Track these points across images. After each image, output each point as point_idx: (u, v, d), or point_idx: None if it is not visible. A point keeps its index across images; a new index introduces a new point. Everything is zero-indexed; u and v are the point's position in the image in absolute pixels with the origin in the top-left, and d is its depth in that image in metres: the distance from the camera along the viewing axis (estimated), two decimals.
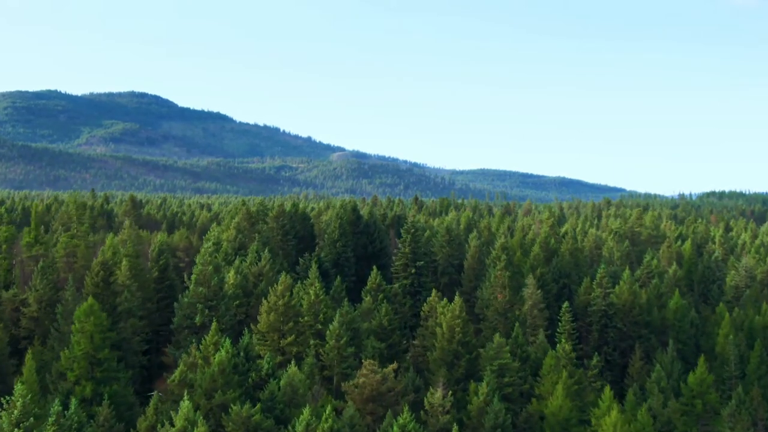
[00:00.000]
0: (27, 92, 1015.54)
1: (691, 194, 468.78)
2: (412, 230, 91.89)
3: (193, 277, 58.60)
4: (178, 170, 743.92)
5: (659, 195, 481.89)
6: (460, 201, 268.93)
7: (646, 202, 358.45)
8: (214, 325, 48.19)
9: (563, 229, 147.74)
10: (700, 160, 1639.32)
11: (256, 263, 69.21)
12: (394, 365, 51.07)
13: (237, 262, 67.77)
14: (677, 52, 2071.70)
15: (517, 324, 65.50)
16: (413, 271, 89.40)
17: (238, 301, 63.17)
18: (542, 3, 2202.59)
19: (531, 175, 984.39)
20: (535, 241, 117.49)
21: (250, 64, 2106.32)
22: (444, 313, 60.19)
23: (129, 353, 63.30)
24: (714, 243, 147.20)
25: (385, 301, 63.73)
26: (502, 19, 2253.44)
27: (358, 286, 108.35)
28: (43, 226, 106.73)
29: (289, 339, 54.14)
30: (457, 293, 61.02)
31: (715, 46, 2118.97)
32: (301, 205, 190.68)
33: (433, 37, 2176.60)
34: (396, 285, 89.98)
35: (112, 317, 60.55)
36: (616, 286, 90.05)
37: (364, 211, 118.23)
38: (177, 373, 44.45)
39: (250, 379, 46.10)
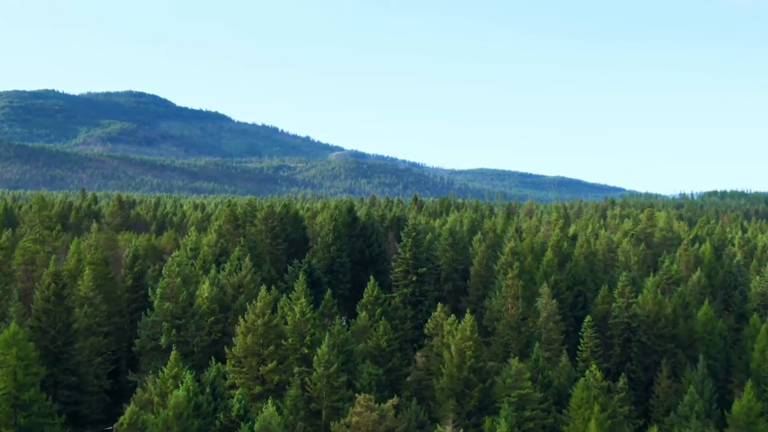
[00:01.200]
0: (24, 92, 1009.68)
1: (693, 194, 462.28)
2: (414, 233, 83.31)
3: (158, 290, 49.93)
4: (175, 170, 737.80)
5: (659, 195, 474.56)
6: (460, 201, 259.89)
7: (650, 202, 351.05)
8: (173, 354, 39.54)
9: (570, 231, 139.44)
10: (698, 159, 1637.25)
11: (236, 272, 60.54)
12: (394, 400, 42.58)
13: (212, 271, 59.07)
14: (676, 52, 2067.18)
15: (537, 345, 56.73)
16: (414, 278, 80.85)
17: (213, 318, 54.52)
18: (542, 3, 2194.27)
19: (530, 175, 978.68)
20: (545, 244, 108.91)
21: (248, 64, 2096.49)
22: (452, 332, 51.55)
23: (87, 378, 54.79)
24: (733, 245, 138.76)
25: (383, 317, 55.04)
26: (501, 19, 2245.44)
27: (354, 295, 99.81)
28: (11, 230, 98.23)
29: (270, 366, 45.55)
30: (467, 311, 52.32)
31: (713, 46, 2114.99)
32: (297, 205, 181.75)
33: (432, 37, 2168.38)
34: (395, 295, 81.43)
35: (65, 337, 52.05)
36: (639, 295, 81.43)
37: (361, 212, 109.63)
38: (127, 413, 35.94)
39: (217, 422, 37.64)
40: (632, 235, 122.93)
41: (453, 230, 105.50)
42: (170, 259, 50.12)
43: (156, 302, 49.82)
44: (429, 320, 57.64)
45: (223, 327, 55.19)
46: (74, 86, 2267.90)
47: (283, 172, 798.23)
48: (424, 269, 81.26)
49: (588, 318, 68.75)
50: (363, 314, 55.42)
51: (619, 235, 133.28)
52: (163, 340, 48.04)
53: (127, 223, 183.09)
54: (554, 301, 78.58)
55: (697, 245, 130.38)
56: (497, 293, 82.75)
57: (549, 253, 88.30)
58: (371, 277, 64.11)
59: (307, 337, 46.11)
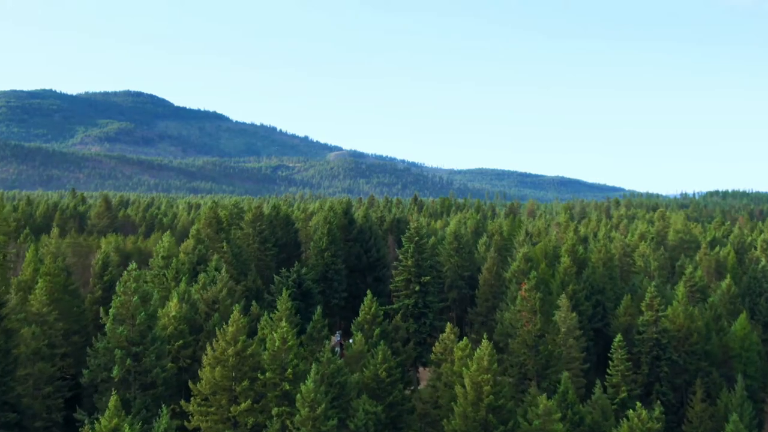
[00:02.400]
0: (22, 91, 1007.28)
1: (695, 194, 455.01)
2: (416, 238, 74.70)
3: (110, 311, 41.40)
4: (173, 170, 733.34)
5: (660, 195, 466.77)
6: (461, 201, 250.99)
7: (655, 202, 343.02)
8: (112, 400, 31.01)
9: (580, 233, 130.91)
10: (697, 159, 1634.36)
11: (212, 285, 51.96)
12: None
13: (182, 284, 50.48)
14: (674, 52, 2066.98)
15: (565, 375, 48.11)
16: (417, 288, 72.30)
17: (180, 342, 45.94)
18: (542, 3, 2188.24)
19: (529, 175, 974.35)
20: (557, 249, 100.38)
21: (247, 64, 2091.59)
22: (464, 358, 43.00)
23: (31, 414, 46.19)
24: (755, 249, 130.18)
25: (382, 341, 46.46)
26: (500, 19, 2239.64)
27: (351, 304, 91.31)
28: None
29: (244, 405, 37.00)
30: (484, 336, 43.77)
31: (711, 46, 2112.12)
32: (295, 206, 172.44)
33: (431, 36, 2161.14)
34: (396, 306, 72.81)
35: (2, 365, 43.47)
36: (669, 307, 72.88)
37: (358, 214, 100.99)
38: None
39: None
40: (652, 238, 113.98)
41: (458, 233, 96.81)
42: (126, 272, 41.65)
43: (108, 325, 41.26)
44: (437, 343, 49.00)
45: (193, 352, 46.60)
46: (72, 86, 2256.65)
47: (281, 172, 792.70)
48: (428, 278, 72.73)
49: (618, 338, 60.33)
50: (359, 337, 46.83)
51: (635, 238, 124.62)
52: (115, 371, 39.50)
53: (114, 225, 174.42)
54: (574, 314, 70.14)
55: (717, 249, 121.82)
56: (509, 305, 74.25)
57: (566, 260, 79.66)
58: (368, 291, 55.48)
59: (289, 370, 37.58)
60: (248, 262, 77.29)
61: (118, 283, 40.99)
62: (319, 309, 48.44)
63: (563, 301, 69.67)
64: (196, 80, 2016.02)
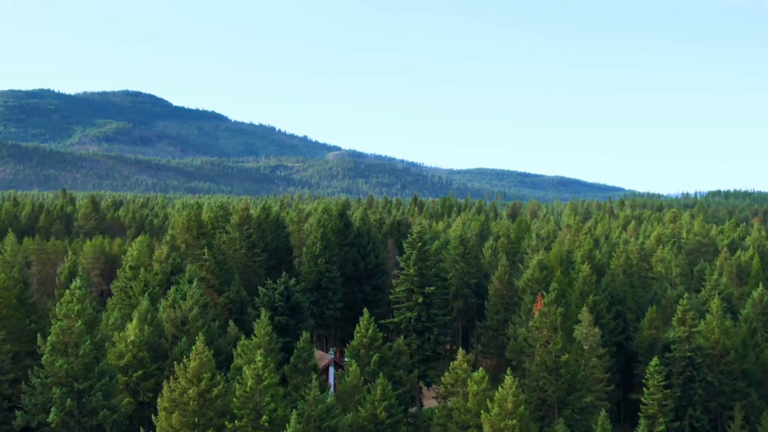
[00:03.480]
0: (20, 91, 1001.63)
1: (697, 193, 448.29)
2: (419, 244, 66.97)
3: (48, 338, 33.75)
4: (171, 170, 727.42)
5: (661, 195, 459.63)
6: (462, 201, 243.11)
7: (660, 203, 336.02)
8: None
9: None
10: (696, 159, 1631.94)
11: (181, 302, 44.25)
12: None
13: (144, 302, 42.69)
14: (673, 51, 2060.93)
15: (602, 415, 40.35)
16: (420, 300, 64.63)
17: (140, 372, 38.27)
18: (541, 3, 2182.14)
19: (529, 175, 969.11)
20: (571, 254, 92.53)
21: (245, 63, 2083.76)
22: (480, 393, 35.33)
23: None
24: None
25: (380, 372, 38.75)
26: (500, 19, 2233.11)
27: (347, 315, 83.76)
28: None
29: None
30: (508, 372, 36.14)
31: (710, 46, 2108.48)
32: (292, 206, 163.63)
33: (430, 36, 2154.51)
34: (396, 319, 65.22)
35: None
36: (701, 321, 65.21)
37: (355, 216, 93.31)
38: None
39: None
40: (673, 242, 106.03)
41: (463, 237, 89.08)
42: (68, 291, 34.05)
43: (45, 357, 33.62)
44: (446, 373, 41.22)
45: (156, 383, 38.98)
46: (70, 86, 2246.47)
47: (280, 171, 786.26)
48: (433, 288, 65.00)
49: (655, 361, 52.64)
50: (353, 367, 39.09)
51: (650, 241, 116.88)
52: (52, 414, 31.90)
53: (101, 227, 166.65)
54: (596, 329, 62.53)
55: (739, 253, 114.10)
56: (523, 318, 66.64)
57: (585, 267, 71.94)
58: (365, 309, 47.75)
59: (264, 416, 29.97)
60: (233, 270, 69.67)
61: (58, 303, 33.34)
62: (305, 334, 40.71)
63: (585, 314, 62.08)
64: (194, 80, 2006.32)
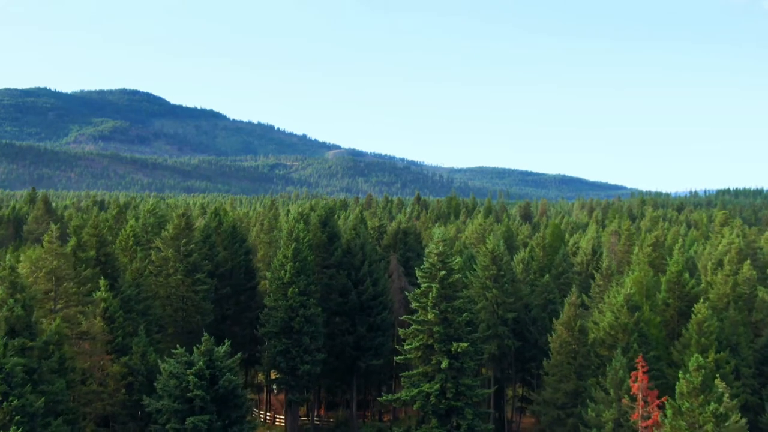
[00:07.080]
0: (16, 90, 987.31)
1: (705, 191, 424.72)
2: (442, 273, 41.92)
3: None
4: (167, 168, 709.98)
5: (667, 193, 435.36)
6: (469, 201, 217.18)
7: (680, 202, 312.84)
8: None
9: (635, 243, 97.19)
10: (697, 157, 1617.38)
11: None
12: None
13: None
14: (673, 51, 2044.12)
15: None
16: (445, 363, 39.67)
17: None
18: (542, 3, 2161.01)
19: (530, 173, 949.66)
20: (626, 272, 66.91)
21: (243, 62, 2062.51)
22: None
23: None
24: None
25: None
26: (500, 19, 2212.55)
27: (332, 369, 58.97)
28: None
29: None
30: None
31: (708, 45, 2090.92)
32: (284, 207, 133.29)
33: (430, 35, 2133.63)
34: (404, 396, 40.43)
35: None
36: None
37: (346, 226, 67.96)
38: None
39: None
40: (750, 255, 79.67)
41: (495, 254, 63.02)
42: None
43: None
44: None
45: None
46: (67, 84, 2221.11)
47: (278, 170, 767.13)
48: (465, 345, 39.89)
49: None
50: None
51: (721, 251, 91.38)
52: None
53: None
54: (739, 415, 37.47)
55: None
56: (612, 395, 41.32)
57: (702, 308, 46.53)
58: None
59: None
60: (150, 310, 44.76)
61: None
62: None
63: (720, 385, 36.91)
64: (192, 78, 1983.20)
